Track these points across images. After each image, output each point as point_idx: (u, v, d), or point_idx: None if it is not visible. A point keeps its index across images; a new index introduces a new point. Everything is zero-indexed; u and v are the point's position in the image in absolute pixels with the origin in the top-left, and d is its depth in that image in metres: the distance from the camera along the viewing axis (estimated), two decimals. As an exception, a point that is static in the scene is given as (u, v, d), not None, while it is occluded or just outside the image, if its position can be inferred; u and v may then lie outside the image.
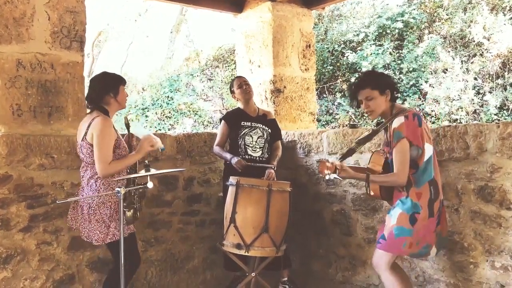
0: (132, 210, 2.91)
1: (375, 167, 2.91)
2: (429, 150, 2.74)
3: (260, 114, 4.07)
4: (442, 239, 2.87)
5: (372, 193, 2.85)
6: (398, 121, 2.69)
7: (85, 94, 3.14)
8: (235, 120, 3.99)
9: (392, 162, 2.75)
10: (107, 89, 2.92)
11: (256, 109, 4.10)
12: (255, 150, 3.91)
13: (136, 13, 16.11)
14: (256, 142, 3.91)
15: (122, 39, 16.43)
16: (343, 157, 2.99)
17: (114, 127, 2.90)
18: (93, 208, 2.83)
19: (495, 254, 2.96)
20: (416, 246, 2.75)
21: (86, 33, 3.54)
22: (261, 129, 3.97)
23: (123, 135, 3.07)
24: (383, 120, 2.93)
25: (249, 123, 3.96)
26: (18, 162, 3.18)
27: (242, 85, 4.00)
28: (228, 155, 3.84)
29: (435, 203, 2.74)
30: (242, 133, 3.92)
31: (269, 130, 4.01)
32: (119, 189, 2.57)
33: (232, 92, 4.09)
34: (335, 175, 2.77)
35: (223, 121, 4.06)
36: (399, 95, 2.87)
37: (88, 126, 2.82)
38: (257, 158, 3.89)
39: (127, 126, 3.05)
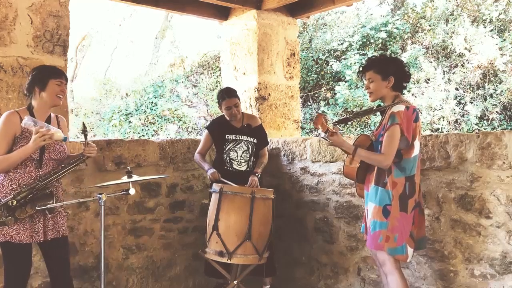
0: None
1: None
2: (417, 148, 2.80)
3: (244, 124, 3.98)
4: (418, 241, 2.89)
5: (352, 165, 2.89)
6: (397, 108, 2.76)
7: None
8: (219, 133, 3.95)
9: (378, 144, 2.81)
10: (34, 81, 2.73)
11: (241, 117, 4.01)
12: (240, 165, 3.89)
13: (121, 18, 16.00)
14: (241, 156, 3.89)
15: (106, 43, 16.29)
16: (338, 122, 3.02)
17: (28, 120, 2.59)
18: None
19: (474, 262, 3.00)
20: (394, 242, 2.75)
21: (69, 37, 3.51)
22: (245, 142, 3.92)
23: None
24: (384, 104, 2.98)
25: (233, 136, 3.91)
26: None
27: (230, 108, 3.87)
28: (206, 166, 3.82)
29: (409, 200, 2.77)
30: (227, 148, 3.89)
31: (254, 141, 3.96)
32: (100, 195, 2.54)
33: (219, 104, 3.98)
34: (324, 135, 2.82)
35: (207, 131, 4.02)
36: (406, 85, 2.95)
37: None
38: (243, 172, 3.87)
39: (84, 133, 2.76)
